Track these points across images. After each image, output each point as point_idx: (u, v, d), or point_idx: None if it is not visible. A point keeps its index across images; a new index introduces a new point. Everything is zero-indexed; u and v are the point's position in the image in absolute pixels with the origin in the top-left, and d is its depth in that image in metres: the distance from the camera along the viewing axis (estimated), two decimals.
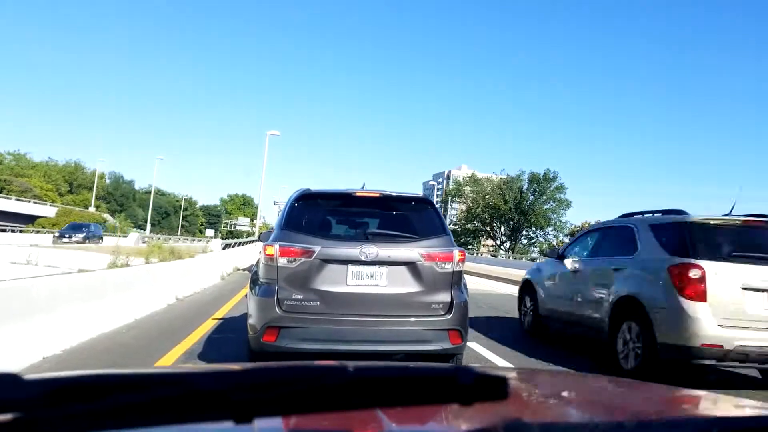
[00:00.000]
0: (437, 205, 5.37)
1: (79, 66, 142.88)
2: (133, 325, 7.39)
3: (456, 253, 4.76)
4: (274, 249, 4.57)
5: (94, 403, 0.68)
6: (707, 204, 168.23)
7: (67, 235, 37.91)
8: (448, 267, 4.71)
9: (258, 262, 5.05)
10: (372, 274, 4.62)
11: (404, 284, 4.66)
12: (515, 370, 4.47)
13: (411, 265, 4.66)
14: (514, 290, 18.97)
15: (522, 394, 1.48)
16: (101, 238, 40.04)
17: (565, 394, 1.69)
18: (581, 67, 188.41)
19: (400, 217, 5.12)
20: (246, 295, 6.15)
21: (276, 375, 0.82)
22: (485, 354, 6.95)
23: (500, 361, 6.73)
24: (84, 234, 39.25)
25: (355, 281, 4.60)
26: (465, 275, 5.18)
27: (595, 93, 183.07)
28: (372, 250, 4.58)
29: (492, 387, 0.83)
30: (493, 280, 22.98)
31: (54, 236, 39.22)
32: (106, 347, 6.08)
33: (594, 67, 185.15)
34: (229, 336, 7.11)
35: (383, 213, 5.19)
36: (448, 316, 4.66)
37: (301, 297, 4.53)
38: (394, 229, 4.95)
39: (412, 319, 4.65)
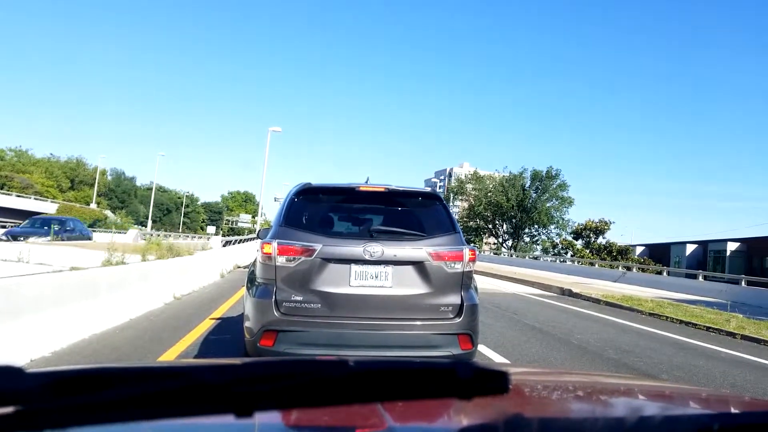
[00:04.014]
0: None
1: (81, 62, 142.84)
2: (126, 326, 7.20)
3: (466, 252, 4.47)
4: (272, 247, 4.28)
5: (96, 395, 0.68)
6: (709, 202, 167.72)
7: (21, 237, 22.08)
8: (458, 267, 4.43)
9: (255, 261, 4.74)
10: (376, 274, 4.33)
11: (411, 285, 4.37)
12: (515, 366, 4.47)
13: (418, 265, 4.38)
14: (520, 289, 19.19)
15: (522, 390, 1.48)
16: (90, 238, 28.13)
17: (565, 389, 1.69)
18: (584, 65, 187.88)
19: (407, 213, 4.82)
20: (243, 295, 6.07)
21: (277, 369, 0.82)
22: (493, 357, 6.94)
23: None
24: (46, 233, 23.79)
25: (358, 282, 4.31)
26: None
27: (598, 90, 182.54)
28: (376, 249, 4.29)
29: (492, 382, 0.83)
30: (498, 279, 22.92)
31: None
32: (96, 349, 5.89)
33: (597, 65, 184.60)
34: (225, 338, 6.93)
35: (388, 209, 4.87)
36: (458, 320, 4.38)
37: (301, 298, 4.25)
38: (400, 226, 4.64)
39: (419, 323, 4.33)
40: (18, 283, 5.42)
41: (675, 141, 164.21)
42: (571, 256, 44.77)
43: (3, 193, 54.63)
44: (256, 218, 62.33)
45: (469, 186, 63.05)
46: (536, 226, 59.31)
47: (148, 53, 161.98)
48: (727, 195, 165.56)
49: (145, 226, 63.21)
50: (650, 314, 13.17)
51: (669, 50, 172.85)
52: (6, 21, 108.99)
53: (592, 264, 33.39)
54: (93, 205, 65.19)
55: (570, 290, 17.90)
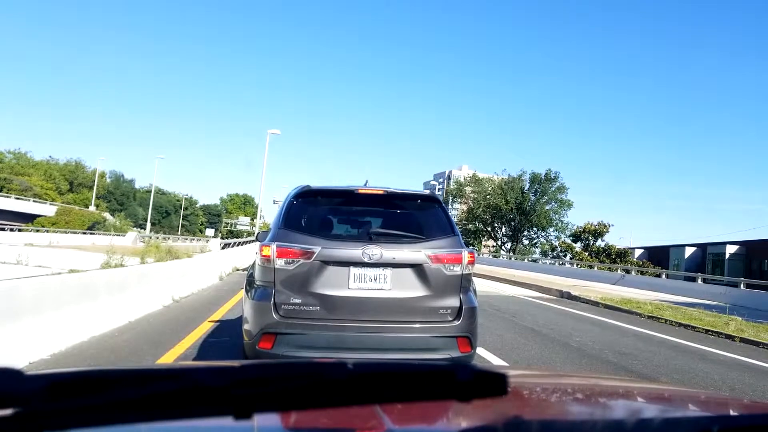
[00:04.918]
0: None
1: (80, 64, 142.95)
2: (126, 328, 7.20)
3: (465, 254, 4.47)
4: (271, 249, 4.28)
5: (95, 397, 0.68)
6: (708, 205, 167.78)
7: None
8: (457, 269, 4.43)
9: (254, 263, 4.74)
10: (375, 276, 4.33)
11: (410, 288, 4.36)
12: (514, 369, 4.46)
13: (417, 268, 4.37)
14: (519, 292, 19.20)
15: (521, 392, 1.48)
16: None
17: (564, 392, 1.69)
18: (583, 67, 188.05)
19: (406, 215, 4.84)
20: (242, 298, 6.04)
21: (276, 371, 0.82)
22: (492, 360, 6.94)
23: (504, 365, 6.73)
24: None
25: (357, 284, 4.31)
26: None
27: (597, 92, 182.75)
28: (375, 251, 4.29)
29: (491, 384, 0.83)
30: (496, 281, 22.92)
31: None
32: (96, 352, 5.89)
33: (596, 67, 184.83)
34: (224, 340, 6.96)
35: (387, 211, 4.89)
36: (457, 323, 4.37)
37: (300, 301, 4.25)
38: (399, 228, 4.65)
39: (418, 326, 4.33)
40: (17, 286, 5.42)
41: (674, 143, 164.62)
42: (570, 258, 44.78)
43: (2, 196, 54.58)
44: (255, 221, 62.33)
45: (468, 189, 63.13)
46: (535, 229, 59.37)
47: (147, 55, 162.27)
48: (726, 198, 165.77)
49: (144, 229, 63.20)
50: (649, 317, 13.17)
51: (668, 52, 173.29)
52: (5, 23, 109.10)
53: (590, 267, 33.39)
54: (92, 208, 65.18)
55: (569, 293, 17.90)
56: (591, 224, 49.75)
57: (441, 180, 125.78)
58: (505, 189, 58.45)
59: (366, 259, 4.30)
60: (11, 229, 44.30)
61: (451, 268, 4.44)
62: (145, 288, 8.87)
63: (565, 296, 17.83)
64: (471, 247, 4.77)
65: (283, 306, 4.26)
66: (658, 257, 45.77)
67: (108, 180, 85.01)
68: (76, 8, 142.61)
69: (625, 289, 23.09)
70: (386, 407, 1.01)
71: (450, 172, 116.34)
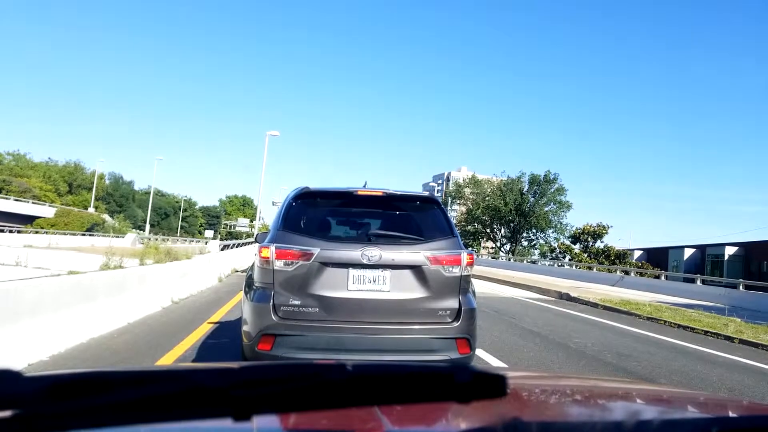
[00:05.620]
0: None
1: (80, 66, 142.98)
2: (125, 330, 7.21)
3: (464, 256, 4.48)
4: (270, 251, 4.30)
5: (94, 399, 0.68)
6: (707, 206, 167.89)
7: None
8: (456, 271, 4.44)
9: (253, 264, 4.74)
10: (374, 278, 4.34)
11: (409, 289, 4.37)
12: (513, 370, 4.47)
13: (416, 269, 4.37)
14: (518, 293, 19.21)
15: (520, 394, 1.48)
16: None
17: (563, 393, 1.69)
18: (582, 69, 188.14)
19: (405, 217, 4.83)
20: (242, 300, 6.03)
21: (275, 372, 0.82)
22: (491, 361, 6.94)
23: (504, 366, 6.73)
24: None
25: (356, 286, 4.31)
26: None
27: (596, 94, 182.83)
28: (374, 253, 4.30)
29: (490, 385, 0.83)
30: (495, 283, 22.94)
31: None
32: (95, 353, 5.90)
33: (595, 69, 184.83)
34: (223, 342, 6.94)
35: (386, 213, 4.88)
36: (456, 324, 4.37)
37: (299, 303, 4.26)
38: (398, 230, 4.65)
39: (417, 327, 4.34)
40: (16, 287, 5.41)
41: (673, 145, 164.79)
42: (569, 260, 44.80)
43: (1, 197, 54.51)
44: (254, 222, 62.34)
45: (467, 190, 63.19)
46: (534, 231, 59.44)
47: (147, 57, 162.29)
48: (725, 199, 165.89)
49: (144, 230, 63.18)
50: (648, 318, 13.17)
51: (666, 53, 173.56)
52: (4, 24, 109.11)
53: (590, 268, 33.42)
54: (91, 209, 65.11)
55: (568, 294, 17.90)
56: (590, 225, 49.80)
57: (440, 181, 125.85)
58: (504, 190, 58.53)
59: (365, 261, 4.31)
60: (10, 231, 44.22)
61: (450, 269, 4.44)
62: (144, 289, 8.86)
63: (565, 298, 17.83)
64: (470, 249, 4.77)
65: (282, 307, 4.27)
66: (658, 258, 45.78)
67: (107, 182, 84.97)
68: (76, 8, 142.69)
69: (624, 290, 23.10)
70: (385, 409, 1.01)
71: (449, 173, 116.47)
